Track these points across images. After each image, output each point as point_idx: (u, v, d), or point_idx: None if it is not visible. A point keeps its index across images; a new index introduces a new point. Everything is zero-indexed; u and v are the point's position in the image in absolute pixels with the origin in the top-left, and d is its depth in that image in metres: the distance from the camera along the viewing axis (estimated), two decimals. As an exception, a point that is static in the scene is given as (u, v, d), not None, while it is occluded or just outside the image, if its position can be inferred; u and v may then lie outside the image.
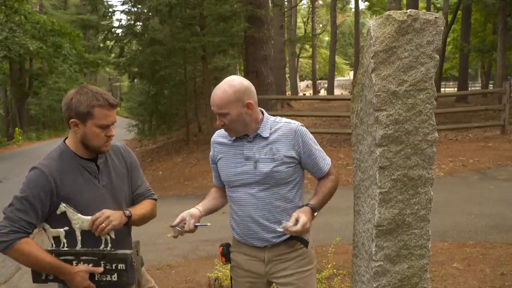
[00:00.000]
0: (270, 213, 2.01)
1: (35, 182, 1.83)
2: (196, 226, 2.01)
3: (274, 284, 2.18)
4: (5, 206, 1.84)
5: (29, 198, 1.81)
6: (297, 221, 1.88)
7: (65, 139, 1.97)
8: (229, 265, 2.23)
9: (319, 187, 2.09)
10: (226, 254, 2.18)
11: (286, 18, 21.81)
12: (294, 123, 2.08)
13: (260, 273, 2.09)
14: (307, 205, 1.99)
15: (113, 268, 1.85)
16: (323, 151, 2.13)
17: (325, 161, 2.11)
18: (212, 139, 2.19)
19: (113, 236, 1.87)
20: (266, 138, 2.03)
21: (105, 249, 1.87)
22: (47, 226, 1.89)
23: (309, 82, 47.09)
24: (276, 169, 1.99)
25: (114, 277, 1.86)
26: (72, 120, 1.86)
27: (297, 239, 2.05)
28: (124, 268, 1.84)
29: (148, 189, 2.17)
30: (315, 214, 1.98)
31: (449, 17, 21.55)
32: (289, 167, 2.02)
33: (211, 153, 2.19)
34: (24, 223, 1.80)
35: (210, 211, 2.17)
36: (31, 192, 1.82)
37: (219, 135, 2.17)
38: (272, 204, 2.02)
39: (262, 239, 2.04)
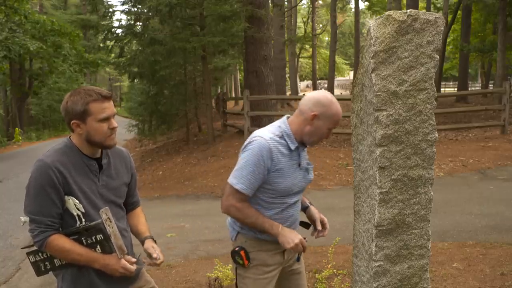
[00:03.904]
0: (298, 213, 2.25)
1: (40, 172, 1.84)
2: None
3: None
4: (24, 205, 1.87)
5: (40, 191, 1.83)
6: (322, 223, 2.23)
7: (71, 135, 1.98)
8: (239, 267, 2.22)
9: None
10: (248, 256, 2.18)
11: (286, 18, 21.80)
12: None
13: (281, 262, 2.23)
14: (311, 204, 2.30)
15: (94, 240, 1.88)
16: None
17: None
18: (269, 148, 2.03)
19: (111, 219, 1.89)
20: (306, 146, 2.18)
21: (80, 225, 1.88)
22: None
23: (309, 82, 47.10)
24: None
25: (98, 249, 1.89)
26: (72, 122, 1.88)
27: (301, 224, 2.31)
28: (102, 237, 1.88)
29: (138, 198, 2.27)
30: None
31: (449, 17, 21.56)
32: None
33: (268, 162, 2.03)
34: (48, 221, 1.84)
35: None
36: (40, 184, 1.83)
37: (278, 145, 2.06)
38: (299, 206, 2.27)
39: None
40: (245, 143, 2.10)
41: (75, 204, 1.87)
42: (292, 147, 2.07)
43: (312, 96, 2.07)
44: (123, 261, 1.90)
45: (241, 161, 2.06)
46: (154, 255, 2.01)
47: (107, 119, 1.89)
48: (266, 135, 2.06)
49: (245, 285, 2.18)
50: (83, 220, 1.88)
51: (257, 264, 2.18)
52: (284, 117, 2.16)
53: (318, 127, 2.05)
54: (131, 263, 1.93)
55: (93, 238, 1.88)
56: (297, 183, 2.12)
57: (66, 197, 1.86)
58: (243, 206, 2.06)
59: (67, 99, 1.89)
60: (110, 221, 1.86)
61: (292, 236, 2.04)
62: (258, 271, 2.18)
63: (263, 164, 2.01)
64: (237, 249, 2.16)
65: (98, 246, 1.89)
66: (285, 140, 2.07)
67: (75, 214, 1.88)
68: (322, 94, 2.08)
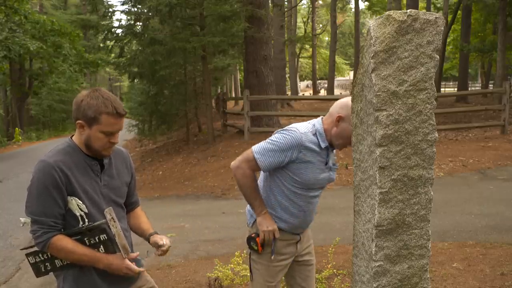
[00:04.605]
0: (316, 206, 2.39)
1: (43, 172, 1.84)
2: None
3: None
4: (26, 205, 1.86)
5: (43, 191, 1.83)
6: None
7: (72, 135, 1.99)
8: (253, 253, 2.34)
9: None
10: (262, 243, 2.27)
11: (286, 18, 21.81)
12: None
13: (294, 253, 2.35)
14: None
15: (98, 241, 1.89)
16: None
17: None
18: (301, 142, 2.16)
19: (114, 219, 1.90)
20: (334, 148, 2.26)
21: (83, 225, 1.88)
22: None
23: (309, 82, 47.13)
24: None
25: (102, 250, 1.90)
26: (78, 121, 1.88)
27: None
28: (106, 237, 1.88)
29: (138, 198, 2.29)
30: None
31: (449, 17, 21.57)
32: None
33: (294, 154, 2.16)
34: (50, 221, 1.84)
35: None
36: (43, 184, 1.83)
37: (309, 141, 2.17)
38: (318, 200, 2.41)
39: (305, 227, 2.39)
40: (281, 129, 2.24)
41: (78, 205, 1.87)
42: (323, 145, 2.19)
43: (341, 100, 2.21)
44: (127, 260, 1.91)
45: (272, 139, 2.19)
46: (160, 242, 2.05)
47: (111, 133, 1.90)
48: (302, 129, 2.18)
49: (258, 270, 2.30)
50: (86, 220, 1.88)
51: (270, 252, 2.28)
52: (320, 117, 2.28)
53: (343, 128, 2.15)
54: None
55: (96, 238, 1.88)
56: (320, 179, 2.24)
57: (69, 198, 1.86)
58: (250, 175, 2.19)
59: (83, 98, 1.88)
60: (114, 221, 1.87)
61: (269, 223, 2.20)
62: (270, 258, 2.28)
63: (286, 154, 2.14)
64: (253, 235, 2.27)
65: (101, 246, 1.89)
66: (317, 138, 2.18)
67: (78, 214, 1.87)
68: (350, 98, 2.18)
